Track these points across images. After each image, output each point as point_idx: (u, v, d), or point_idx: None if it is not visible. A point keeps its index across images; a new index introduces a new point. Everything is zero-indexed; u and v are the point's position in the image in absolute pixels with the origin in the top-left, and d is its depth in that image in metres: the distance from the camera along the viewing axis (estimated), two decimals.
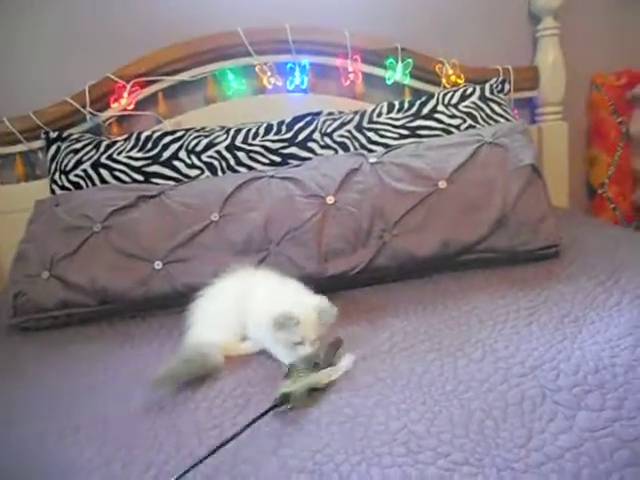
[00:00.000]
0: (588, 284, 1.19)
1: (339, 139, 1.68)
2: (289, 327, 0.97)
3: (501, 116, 1.74)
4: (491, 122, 1.71)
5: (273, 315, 0.98)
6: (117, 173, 1.65)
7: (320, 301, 1.03)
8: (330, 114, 1.76)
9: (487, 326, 1.06)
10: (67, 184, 1.67)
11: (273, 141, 1.67)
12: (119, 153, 1.67)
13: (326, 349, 0.98)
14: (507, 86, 1.88)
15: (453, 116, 1.71)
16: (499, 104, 1.77)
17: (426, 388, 0.87)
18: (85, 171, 1.66)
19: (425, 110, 1.73)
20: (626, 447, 0.69)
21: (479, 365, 0.92)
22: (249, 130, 1.70)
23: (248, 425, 0.80)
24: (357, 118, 1.73)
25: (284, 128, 1.70)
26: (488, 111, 1.74)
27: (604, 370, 0.85)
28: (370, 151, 1.59)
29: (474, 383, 0.87)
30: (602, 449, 0.69)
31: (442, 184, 1.36)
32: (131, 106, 1.85)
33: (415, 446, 0.73)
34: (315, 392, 0.89)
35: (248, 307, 1.09)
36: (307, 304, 1.02)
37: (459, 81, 1.92)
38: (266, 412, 0.83)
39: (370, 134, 1.69)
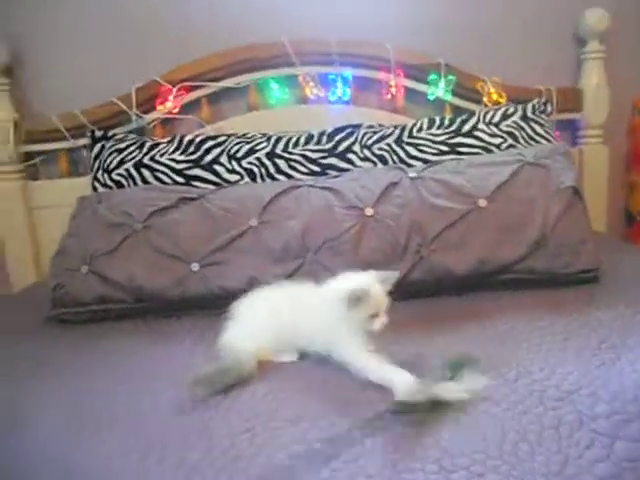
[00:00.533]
0: (627, 311, 1.17)
1: (378, 152, 1.68)
2: (363, 301, 0.97)
3: (542, 137, 1.72)
4: (532, 142, 1.70)
5: (342, 294, 0.97)
6: (159, 174, 1.68)
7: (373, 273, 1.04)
8: (370, 127, 1.77)
9: (522, 347, 1.05)
10: (109, 182, 1.71)
11: (313, 151, 1.69)
12: (162, 155, 1.70)
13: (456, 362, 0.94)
14: (549, 107, 1.87)
15: (494, 135, 1.70)
16: (541, 125, 1.76)
17: (459, 405, 0.86)
18: (127, 170, 1.69)
19: (466, 127, 1.72)
20: None
21: (514, 386, 0.91)
22: (290, 139, 1.72)
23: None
24: (397, 132, 1.73)
25: (324, 138, 1.71)
26: (529, 131, 1.72)
27: None
28: (409, 165, 1.59)
29: (508, 404, 0.86)
30: None
31: (482, 202, 1.36)
32: (176, 110, 1.88)
33: (448, 464, 0.73)
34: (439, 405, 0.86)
35: (294, 315, 1.07)
36: (366, 278, 1.02)
37: (501, 100, 1.91)
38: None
39: (409, 149, 1.69)
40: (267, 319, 1.09)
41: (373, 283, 1.01)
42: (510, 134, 1.70)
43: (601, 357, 0.98)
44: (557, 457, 0.73)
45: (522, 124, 1.73)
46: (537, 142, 1.70)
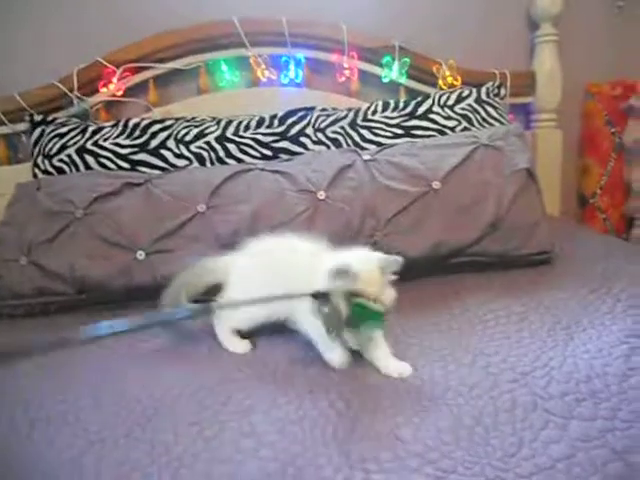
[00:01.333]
0: (580, 291, 1.18)
1: (332, 135, 1.64)
2: (346, 279, 0.88)
3: (496, 120, 1.72)
4: (486, 125, 1.69)
5: (330, 267, 0.90)
6: (103, 160, 1.59)
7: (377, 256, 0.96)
8: (324, 110, 1.73)
9: (478, 330, 1.04)
10: (50, 169, 1.62)
11: (265, 134, 1.64)
12: (105, 139, 1.62)
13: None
14: (503, 90, 1.87)
15: (448, 117, 1.68)
16: (495, 108, 1.75)
17: (414, 393, 0.84)
18: (69, 156, 1.61)
19: (420, 110, 1.70)
20: (619, 459, 0.67)
21: (469, 370, 0.90)
22: (240, 122, 1.67)
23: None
24: (351, 115, 1.70)
25: (276, 122, 1.67)
26: (484, 114, 1.72)
27: (597, 379, 0.83)
28: (363, 149, 1.56)
29: (463, 388, 0.84)
30: (595, 460, 0.67)
31: (436, 184, 1.34)
32: (120, 92, 1.80)
33: (402, 452, 0.70)
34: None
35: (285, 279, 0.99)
36: (368, 257, 0.96)
37: (455, 83, 1.90)
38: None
39: (364, 132, 1.66)
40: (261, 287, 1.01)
41: (370, 266, 0.93)
42: (465, 117, 1.69)
43: (555, 338, 0.98)
44: (512, 439, 0.72)
45: (476, 107, 1.72)
46: (491, 125, 1.69)
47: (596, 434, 0.71)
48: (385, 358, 0.94)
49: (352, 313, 0.88)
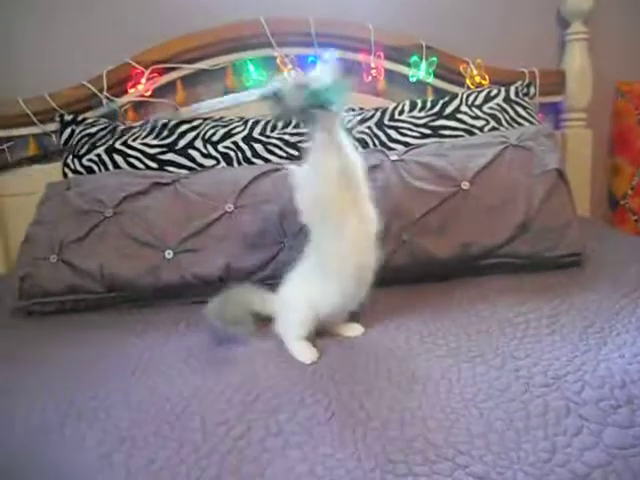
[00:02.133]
0: (613, 295, 1.15)
1: (359, 135, 1.64)
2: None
3: (525, 119, 1.69)
4: (515, 125, 1.67)
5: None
6: (131, 159, 1.61)
7: None
8: (351, 110, 1.72)
9: (507, 333, 1.02)
10: (80, 168, 1.64)
11: (291, 134, 1.64)
12: (134, 139, 1.64)
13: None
14: (533, 89, 1.84)
15: (476, 117, 1.66)
16: (524, 107, 1.72)
17: (443, 395, 0.83)
18: (99, 156, 1.63)
19: (448, 110, 1.68)
20: None
21: (499, 372, 0.88)
22: (267, 122, 1.67)
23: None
24: (378, 115, 1.69)
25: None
26: (512, 114, 1.69)
27: (632, 384, 0.81)
28: (390, 149, 1.55)
29: (494, 391, 0.83)
30: (632, 468, 0.65)
31: (465, 185, 1.32)
32: (148, 93, 1.82)
33: (432, 455, 0.70)
34: None
35: None
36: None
37: (483, 82, 1.88)
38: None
39: (391, 132, 1.65)
40: None
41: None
42: (493, 116, 1.67)
43: (588, 342, 0.96)
44: (544, 444, 0.70)
45: (505, 106, 1.70)
46: (520, 125, 1.67)
47: (633, 442, 0.69)
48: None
49: (307, 99, 0.94)
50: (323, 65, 1.02)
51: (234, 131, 1.64)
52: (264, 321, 1.09)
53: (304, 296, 1.04)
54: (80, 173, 1.64)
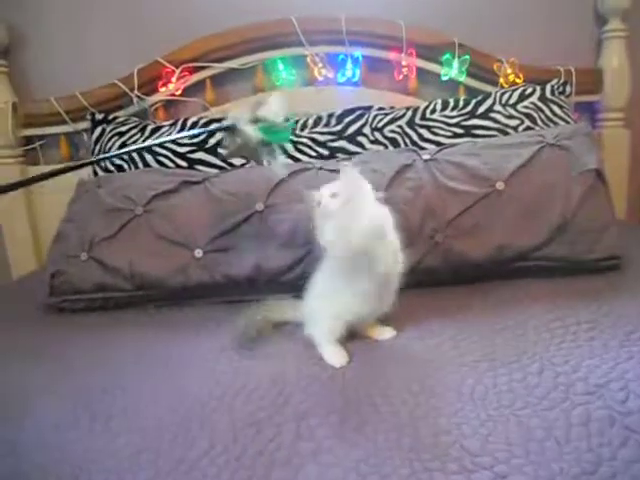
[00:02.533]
0: None
1: (390, 134, 1.61)
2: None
3: (561, 119, 1.65)
4: (550, 124, 1.62)
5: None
6: (161, 158, 1.62)
7: None
8: (381, 109, 1.71)
9: (544, 338, 0.99)
10: (110, 167, 1.65)
11: (322, 133, 1.63)
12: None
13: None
14: (569, 88, 1.79)
15: (511, 116, 1.63)
16: (560, 106, 1.68)
17: (479, 401, 0.80)
18: (129, 154, 1.64)
19: (481, 109, 1.65)
20: None
21: (537, 379, 0.85)
22: (297, 121, 1.66)
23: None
24: (409, 114, 1.67)
25: (333, 121, 1.65)
26: (548, 113, 1.65)
27: None
28: (421, 148, 1.52)
29: (532, 399, 0.80)
30: None
31: (500, 185, 1.29)
32: (179, 92, 1.83)
33: (469, 463, 0.67)
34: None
35: None
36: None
37: (518, 81, 1.84)
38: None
39: (422, 131, 1.62)
40: None
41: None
42: (528, 116, 1.63)
43: (630, 349, 0.92)
44: (588, 456, 0.67)
45: (540, 105, 1.66)
46: (556, 124, 1.63)
47: None
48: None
49: (262, 133, 1.03)
50: (274, 100, 1.10)
51: None
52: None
53: (331, 302, 1.02)
54: (110, 171, 1.65)
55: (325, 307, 1.03)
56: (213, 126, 1.05)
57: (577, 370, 0.86)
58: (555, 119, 1.64)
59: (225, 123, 1.05)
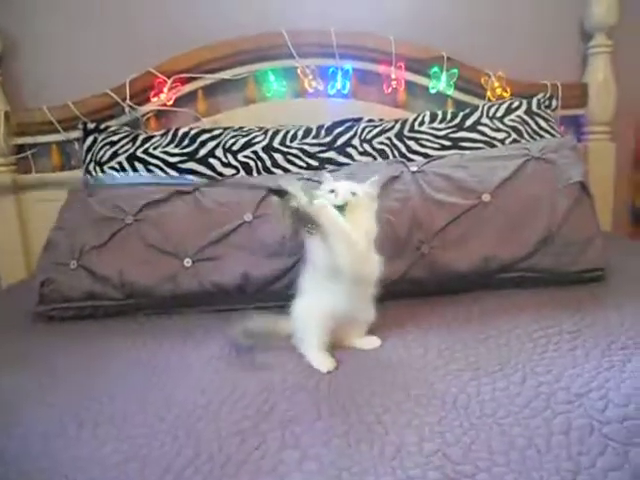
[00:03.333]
0: (636, 311, 1.12)
1: (379, 146, 1.63)
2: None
3: (547, 132, 1.68)
4: (537, 138, 1.65)
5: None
6: (152, 168, 1.63)
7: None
8: (370, 121, 1.73)
9: (527, 348, 1.00)
10: (102, 175, 1.66)
11: (311, 145, 1.64)
12: (155, 148, 1.66)
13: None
14: (555, 102, 1.82)
15: (498, 129, 1.65)
16: (546, 120, 1.71)
17: (462, 410, 0.81)
18: (120, 164, 1.65)
19: (469, 122, 1.67)
20: None
21: (519, 388, 0.86)
22: (287, 132, 1.68)
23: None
24: (398, 126, 1.69)
25: (323, 132, 1.67)
26: (534, 126, 1.68)
27: None
28: (410, 160, 1.54)
29: (514, 407, 0.81)
30: None
31: (486, 197, 1.31)
32: (170, 102, 1.84)
33: (451, 472, 0.68)
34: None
35: None
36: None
37: (505, 94, 1.87)
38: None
39: (411, 143, 1.65)
40: None
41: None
42: (514, 129, 1.65)
43: (611, 359, 0.93)
44: (568, 464, 0.68)
45: (527, 119, 1.69)
46: (542, 137, 1.65)
47: None
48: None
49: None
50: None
51: (254, 140, 1.65)
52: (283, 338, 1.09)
53: (316, 306, 1.05)
54: None
55: (311, 311, 1.05)
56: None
57: (559, 379, 0.88)
58: (541, 132, 1.67)
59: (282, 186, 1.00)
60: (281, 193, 0.99)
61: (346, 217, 1.01)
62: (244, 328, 1.06)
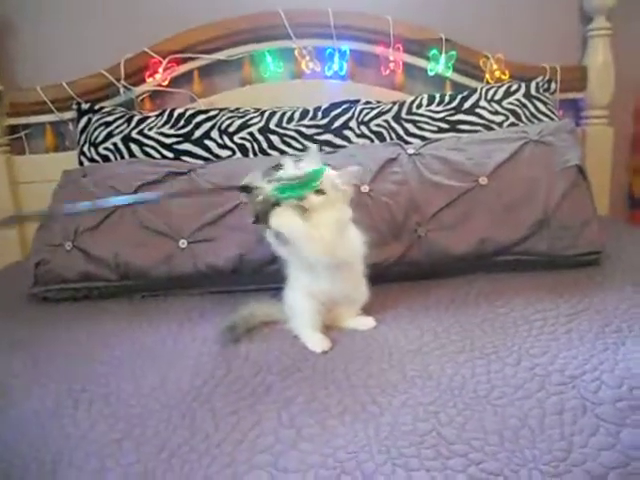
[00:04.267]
0: (632, 294, 1.13)
1: (376, 129, 1.62)
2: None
3: (546, 115, 1.67)
4: (535, 121, 1.64)
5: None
6: (147, 149, 1.62)
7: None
8: (368, 103, 1.71)
9: (523, 330, 1.01)
10: (96, 157, 1.65)
11: (308, 126, 1.63)
12: (150, 129, 1.64)
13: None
14: (553, 85, 1.81)
15: (496, 112, 1.64)
16: (544, 103, 1.70)
17: (457, 390, 0.82)
18: (115, 145, 1.63)
19: (467, 105, 1.66)
20: None
21: (514, 370, 0.87)
22: (284, 114, 1.66)
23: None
24: (395, 108, 1.68)
25: (320, 114, 1.66)
26: (532, 109, 1.67)
27: None
28: (407, 143, 1.53)
29: (509, 389, 0.81)
30: None
31: (483, 180, 1.30)
32: (165, 82, 1.82)
33: (445, 450, 0.69)
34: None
35: None
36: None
37: (503, 77, 1.85)
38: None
39: (408, 125, 1.64)
40: None
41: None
42: (512, 112, 1.65)
43: (605, 341, 0.94)
44: (560, 444, 0.69)
45: (525, 102, 1.68)
46: (540, 121, 1.65)
47: None
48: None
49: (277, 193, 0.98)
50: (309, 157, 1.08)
51: (250, 122, 1.64)
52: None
53: (302, 289, 1.05)
54: (96, 161, 1.64)
55: (295, 296, 1.06)
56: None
57: (553, 362, 0.88)
58: (539, 116, 1.66)
59: (244, 182, 1.01)
60: (248, 189, 1.00)
61: (313, 214, 0.99)
62: (228, 324, 1.06)
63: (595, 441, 0.69)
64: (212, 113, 1.67)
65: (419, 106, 1.68)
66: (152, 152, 1.61)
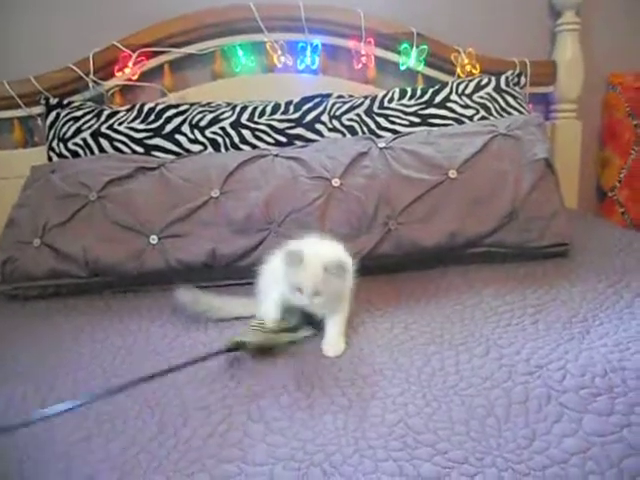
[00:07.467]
0: (598, 285, 1.15)
1: (348, 123, 1.63)
2: (292, 265, 0.94)
3: (515, 109, 1.68)
4: (505, 115, 1.66)
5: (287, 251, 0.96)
6: (117, 144, 1.59)
7: (336, 255, 0.98)
8: (340, 97, 1.71)
9: (491, 322, 1.03)
10: (65, 152, 1.62)
11: (280, 121, 1.62)
12: (120, 123, 1.62)
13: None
14: (523, 79, 1.83)
15: (466, 106, 1.66)
16: (514, 97, 1.72)
17: (425, 382, 0.83)
18: (84, 140, 1.61)
19: (438, 98, 1.67)
20: (636, 454, 0.66)
21: (482, 361, 0.88)
22: (255, 108, 1.65)
23: (193, 362, 0.90)
24: (367, 102, 1.68)
25: (292, 108, 1.65)
26: (502, 103, 1.68)
27: (613, 373, 0.81)
28: (379, 137, 1.54)
29: (476, 379, 0.83)
30: (610, 455, 0.66)
31: (452, 173, 1.32)
32: (135, 76, 1.79)
33: (412, 441, 0.70)
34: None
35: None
36: (320, 254, 0.96)
37: (474, 71, 1.87)
38: (216, 354, 0.92)
39: (380, 119, 1.64)
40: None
41: (315, 261, 0.94)
42: (483, 106, 1.66)
43: (571, 331, 0.96)
44: (524, 431, 0.71)
45: (495, 96, 1.69)
46: (510, 114, 1.66)
47: (612, 429, 0.70)
48: (328, 338, 0.97)
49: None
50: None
51: (222, 116, 1.63)
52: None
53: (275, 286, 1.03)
54: (65, 157, 1.62)
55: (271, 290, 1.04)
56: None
57: (520, 352, 0.90)
58: (509, 109, 1.68)
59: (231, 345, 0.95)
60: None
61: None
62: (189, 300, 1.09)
63: (558, 428, 0.71)
64: (183, 107, 1.66)
65: (391, 100, 1.68)
66: (122, 147, 1.59)
